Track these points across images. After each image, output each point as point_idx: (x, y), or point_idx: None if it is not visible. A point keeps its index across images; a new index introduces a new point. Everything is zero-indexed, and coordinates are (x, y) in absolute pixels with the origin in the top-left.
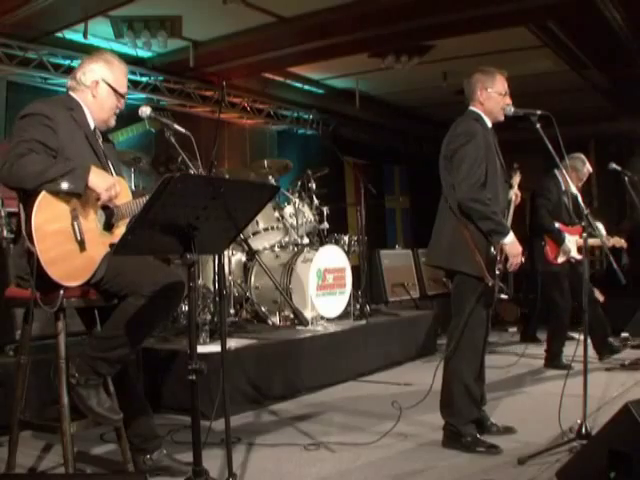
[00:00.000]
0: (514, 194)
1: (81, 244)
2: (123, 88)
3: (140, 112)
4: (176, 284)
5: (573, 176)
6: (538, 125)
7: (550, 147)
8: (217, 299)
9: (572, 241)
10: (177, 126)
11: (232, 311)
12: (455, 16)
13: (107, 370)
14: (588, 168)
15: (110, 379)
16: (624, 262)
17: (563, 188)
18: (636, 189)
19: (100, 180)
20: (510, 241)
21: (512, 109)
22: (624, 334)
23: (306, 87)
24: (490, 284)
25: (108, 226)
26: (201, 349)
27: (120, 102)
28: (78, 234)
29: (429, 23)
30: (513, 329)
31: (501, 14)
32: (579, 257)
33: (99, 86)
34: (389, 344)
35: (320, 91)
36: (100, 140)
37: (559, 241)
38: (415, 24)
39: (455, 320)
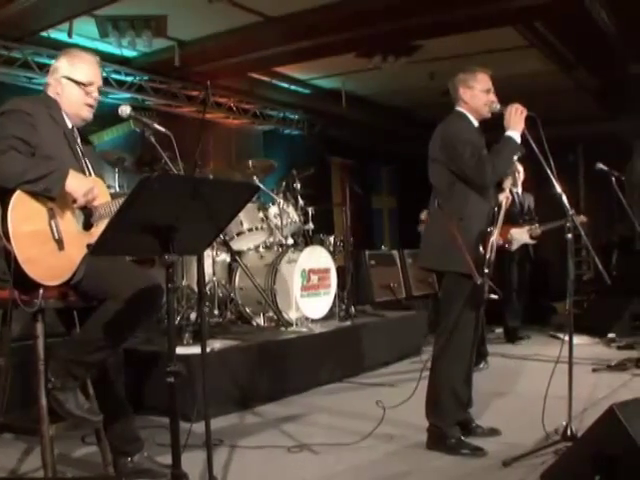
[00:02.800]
0: (505, 197)
1: (59, 243)
2: (90, 78)
3: (120, 111)
4: (156, 288)
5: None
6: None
7: (535, 148)
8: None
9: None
10: (157, 125)
11: (216, 312)
12: (442, 16)
13: (83, 374)
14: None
15: (89, 380)
16: (613, 263)
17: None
18: (624, 190)
19: (77, 184)
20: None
21: (498, 106)
22: (611, 335)
23: (292, 87)
24: (479, 282)
25: (87, 226)
26: (184, 350)
27: (90, 93)
28: (56, 233)
29: (416, 23)
30: (499, 329)
31: (488, 14)
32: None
33: (62, 83)
34: (374, 345)
35: (306, 91)
36: (79, 139)
37: None
38: (402, 24)
39: (444, 321)
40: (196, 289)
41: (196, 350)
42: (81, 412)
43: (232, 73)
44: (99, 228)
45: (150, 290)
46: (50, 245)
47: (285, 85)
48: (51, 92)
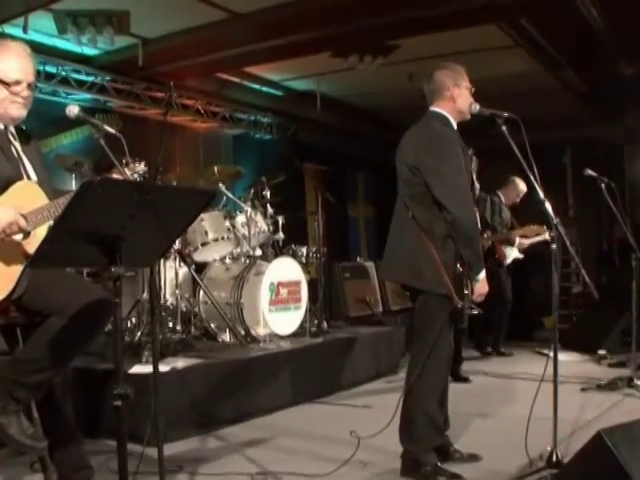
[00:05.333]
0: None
1: None
2: (16, 76)
3: (67, 111)
4: (104, 302)
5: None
6: (504, 128)
7: (517, 152)
8: (162, 314)
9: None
10: (107, 127)
11: (179, 327)
12: (421, 13)
13: (25, 396)
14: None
15: (33, 403)
16: (603, 278)
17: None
18: (614, 197)
19: None
20: (482, 278)
21: (477, 107)
22: (601, 351)
23: (264, 89)
24: (459, 306)
25: (27, 233)
26: (143, 369)
27: (15, 89)
28: None
29: (393, 20)
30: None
31: (470, 11)
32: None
33: None
34: (348, 363)
35: (279, 93)
36: (16, 140)
37: None
38: (378, 21)
39: (419, 343)
40: (162, 302)
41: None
42: (24, 438)
43: (199, 73)
44: (38, 236)
45: (98, 305)
46: None
47: (256, 86)
48: None
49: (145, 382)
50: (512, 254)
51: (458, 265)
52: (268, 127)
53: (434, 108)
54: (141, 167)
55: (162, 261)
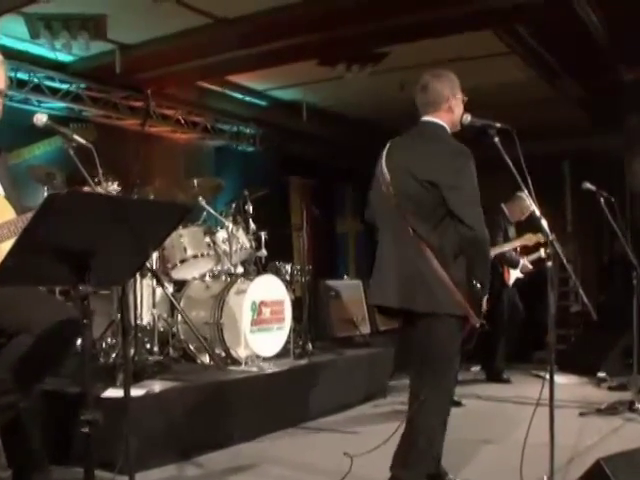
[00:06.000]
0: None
1: None
2: None
3: (35, 120)
4: (72, 322)
5: None
6: (496, 139)
7: (510, 165)
8: (138, 335)
9: None
10: (77, 137)
11: (156, 349)
12: (411, 19)
13: None
14: None
15: None
16: (603, 296)
17: None
18: (614, 211)
19: None
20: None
21: (469, 118)
22: (601, 374)
23: (247, 98)
24: (478, 325)
25: None
26: (117, 393)
27: None
28: None
29: (382, 26)
30: (476, 368)
31: (463, 16)
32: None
33: None
34: (334, 386)
35: (263, 103)
36: None
37: None
38: (367, 28)
39: (433, 366)
40: (139, 322)
41: (132, 392)
42: None
43: (179, 81)
44: (3, 251)
45: (66, 325)
46: None
47: (239, 96)
48: None
49: (119, 406)
50: (515, 273)
51: (474, 282)
52: (252, 138)
53: (432, 119)
54: (114, 187)
55: (139, 278)
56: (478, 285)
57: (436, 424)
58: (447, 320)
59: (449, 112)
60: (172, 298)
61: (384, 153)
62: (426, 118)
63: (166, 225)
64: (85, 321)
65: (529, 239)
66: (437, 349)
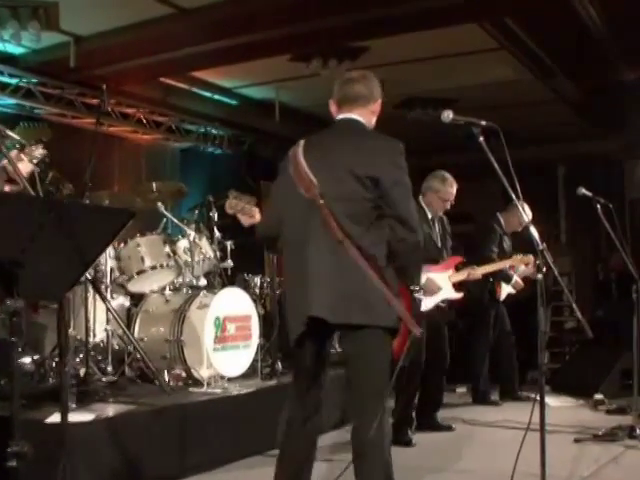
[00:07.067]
0: None
1: None
2: None
3: None
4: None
5: (434, 198)
6: (481, 138)
7: (497, 168)
8: (91, 353)
9: (442, 279)
10: (10, 132)
11: (110, 369)
12: (392, 10)
13: None
14: (450, 186)
15: None
16: (599, 313)
17: (429, 215)
18: (612, 220)
19: None
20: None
21: (450, 115)
22: (598, 396)
23: (216, 97)
24: (419, 334)
25: None
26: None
27: None
28: None
29: (361, 18)
30: (462, 389)
31: (448, 8)
32: (455, 296)
33: None
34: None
35: (233, 102)
36: None
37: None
38: (344, 19)
39: (376, 387)
40: (85, 339)
41: (79, 417)
42: None
43: (141, 77)
44: None
45: None
46: None
47: (207, 94)
48: None
49: (64, 434)
50: (507, 288)
51: (413, 289)
52: (220, 140)
53: (358, 117)
54: (39, 151)
55: (91, 292)
56: (416, 292)
57: (388, 443)
58: (381, 333)
59: (372, 115)
60: (113, 312)
61: (299, 152)
62: (351, 115)
63: (106, 232)
64: (13, 339)
65: (518, 261)
66: (378, 365)
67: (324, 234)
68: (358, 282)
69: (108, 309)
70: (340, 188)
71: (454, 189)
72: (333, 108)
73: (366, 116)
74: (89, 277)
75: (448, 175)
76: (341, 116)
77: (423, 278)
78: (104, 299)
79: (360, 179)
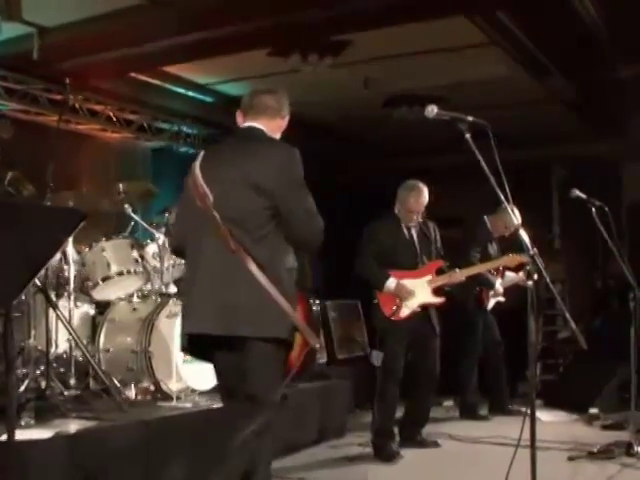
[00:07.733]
0: None
1: None
2: None
3: None
4: None
5: (400, 208)
6: (468, 135)
7: (485, 166)
8: (53, 365)
9: (419, 284)
10: None
11: (73, 382)
12: (376, 1)
13: None
14: (416, 197)
15: None
16: (596, 324)
17: (402, 223)
18: (607, 224)
19: None
20: None
21: (435, 110)
22: (593, 410)
23: (190, 93)
24: (318, 346)
25: None
26: (21, 435)
27: None
28: None
29: (342, 10)
30: (449, 402)
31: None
32: (435, 300)
33: None
34: (282, 425)
35: (208, 99)
36: None
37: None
38: (323, 11)
39: (261, 396)
40: (46, 350)
41: (38, 434)
42: None
43: (110, 72)
44: None
45: None
46: None
47: (180, 90)
48: None
49: (24, 452)
50: (494, 298)
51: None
52: (194, 139)
53: (262, 126)
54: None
55: (54, 299)
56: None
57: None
58: (273, 346)
59: (277, 130)
60: (64, 321)
61: (197, 164)
62: (254, 124)
63: (56, 234)
64: None
65: (511, 260)
66: (268, 380)
67: (217, 245)
68: (247, 293)
69: (58, 317)
70: (234, 198)
71: (422, 199)
72: (239, 119)
73: (270, 128)
74: (38, 283)
75: (418, 185)
76: (245, 124)
77: (393, 284)
78: (54, 307)
79: (255, 187)
